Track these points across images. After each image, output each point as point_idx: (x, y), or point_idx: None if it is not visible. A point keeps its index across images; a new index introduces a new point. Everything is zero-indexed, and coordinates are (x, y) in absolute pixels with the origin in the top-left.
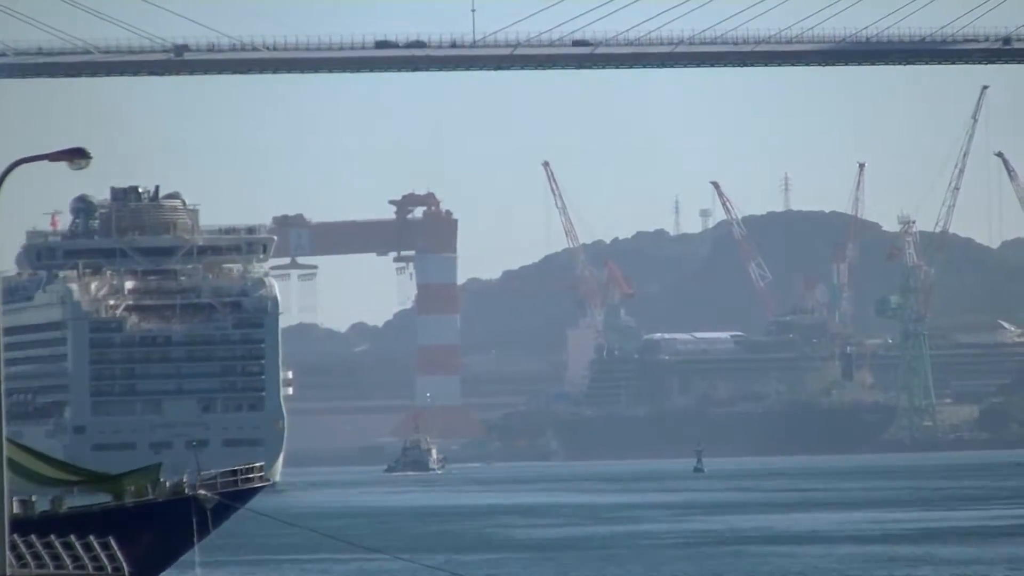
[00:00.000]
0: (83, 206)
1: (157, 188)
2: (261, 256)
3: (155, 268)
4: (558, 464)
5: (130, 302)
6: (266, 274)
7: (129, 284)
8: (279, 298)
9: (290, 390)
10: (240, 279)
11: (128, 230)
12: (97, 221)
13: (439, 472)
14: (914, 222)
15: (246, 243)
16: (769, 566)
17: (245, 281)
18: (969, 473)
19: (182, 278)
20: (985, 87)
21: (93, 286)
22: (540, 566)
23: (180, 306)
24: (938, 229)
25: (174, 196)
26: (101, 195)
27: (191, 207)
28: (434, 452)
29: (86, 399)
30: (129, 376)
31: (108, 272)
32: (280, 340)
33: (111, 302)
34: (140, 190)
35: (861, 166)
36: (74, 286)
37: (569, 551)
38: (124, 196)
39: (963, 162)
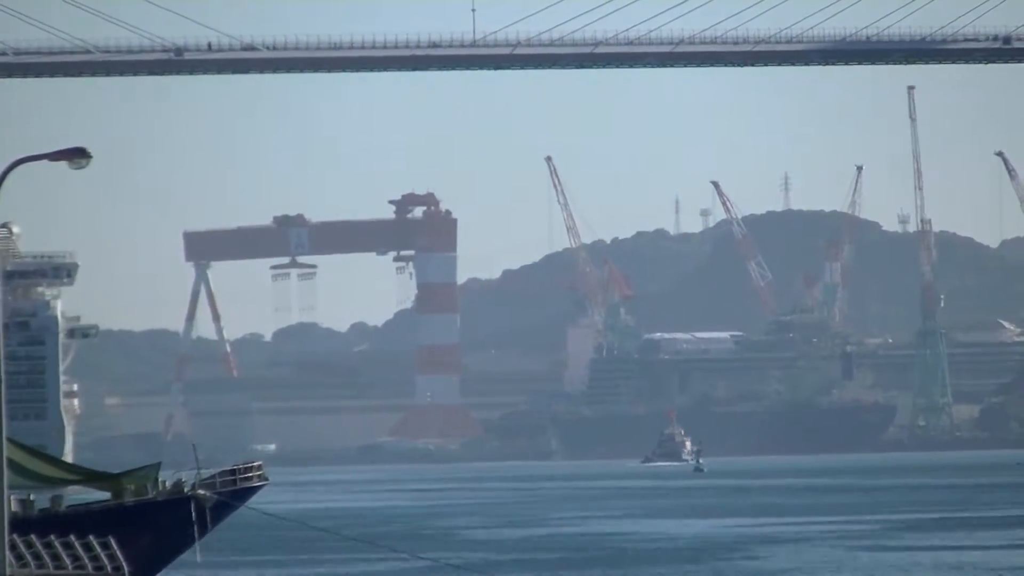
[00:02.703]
0: None
1: None
2: (66, 280)
3: None
4: (557, 464)
5: None
6: (56, 296)
7: None
8: (60, 319)
9: (75, 401)
10: (33, 302)
11: None
12: None
13: (692, 463)
14: (930, 220)
15: (51, 268)
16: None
17: (35, 303)
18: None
19: None
20: (911, 87)
21: None
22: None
23: None
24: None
25: (3, 225)
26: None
27: (16, 235)
28: (688, 444)
29: None
30: None
31: None
32: (60, 356)
33: None
34: None
35: (859, 169)
36: None
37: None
38: None
39: (918, 162)
